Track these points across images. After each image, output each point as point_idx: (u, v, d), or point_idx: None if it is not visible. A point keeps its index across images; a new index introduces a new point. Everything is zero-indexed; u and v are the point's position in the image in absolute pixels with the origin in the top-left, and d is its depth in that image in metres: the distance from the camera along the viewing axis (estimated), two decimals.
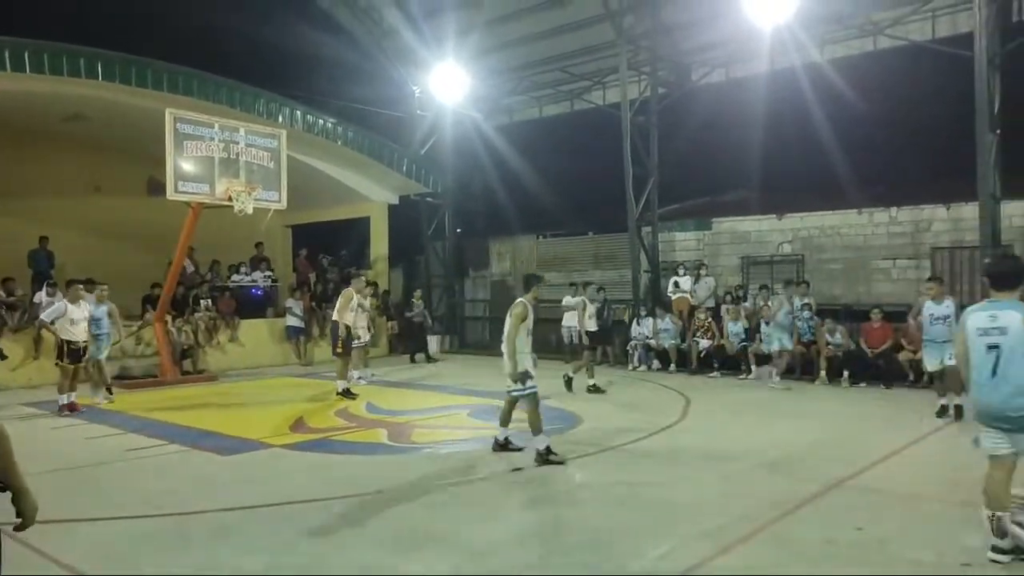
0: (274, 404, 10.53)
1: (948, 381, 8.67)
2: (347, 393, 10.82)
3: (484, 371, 14.54)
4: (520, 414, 7.04)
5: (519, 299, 7.04)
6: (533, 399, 6.82)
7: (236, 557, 4.51)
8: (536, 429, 6.77)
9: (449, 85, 17.74)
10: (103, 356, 10.62)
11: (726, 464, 6.69)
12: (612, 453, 7.27)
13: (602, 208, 17.38)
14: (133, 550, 4.67)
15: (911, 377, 11.50)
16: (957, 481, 6.00)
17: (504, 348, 6.90)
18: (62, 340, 9.85)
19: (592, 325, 11.80)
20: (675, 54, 16.45)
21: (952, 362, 7.28)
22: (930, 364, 8.99)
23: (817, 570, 4.20)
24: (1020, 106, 11.68)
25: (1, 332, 12.56)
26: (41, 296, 12.47)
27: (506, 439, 7.19)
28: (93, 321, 10.24)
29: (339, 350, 11.15)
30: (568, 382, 11.25)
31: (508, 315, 6.92)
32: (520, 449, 7.03)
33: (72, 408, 9.82)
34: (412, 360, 16.39)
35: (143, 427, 8.85)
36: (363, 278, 11.63)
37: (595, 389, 11.16)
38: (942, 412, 8.88)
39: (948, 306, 8.72)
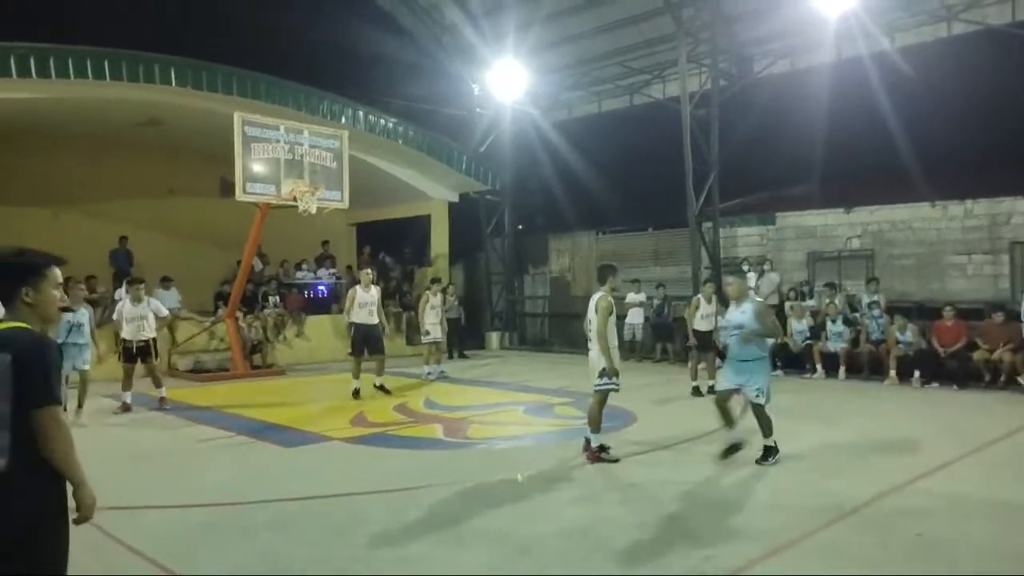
0: (336, 398, 10.82)
1: None
2: (356, 394, 10.52)
3: (542, 368, 14.62)
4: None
5: (599, 291, 6.81)
6: (605, 396, 6.78)
7: (290, 547, 4.69)
8: (595, 426, 6.75)
9: (508, 82, 17.84)
10: (87, 367, 9.25)
11: (784, 465, 6.56)
12: (666, 452, 7.23)
13: (662, 203, 17.16)
14: (195, 537, 4.92)
15: (987, 378, 11.01)
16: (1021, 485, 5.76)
17: (593, 345, 6.73)
18: (121, 338, 9.98)
19: (705, 325, 10.88)
20: (736, 45, 16.12)
21: None
22: None
23: (872, 572, 4.09)
24: None
25: None
26: (121, 293, 13.14)
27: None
28: (75, 327, 8.99)
29: (349, 351, 11.00)
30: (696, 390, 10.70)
31: (593, 310, 6.70)
32: (616, 460, 6.78)
33: (126, 408, 9.70)
34: (449, 356, 16.06)
35: (214, 419, 9.26)
36: (370, 273, 11.20)
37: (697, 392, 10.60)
38: None
39: None
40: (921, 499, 5.51)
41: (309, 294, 17.35)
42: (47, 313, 2.69)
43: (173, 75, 13.04)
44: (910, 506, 5.31)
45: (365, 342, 10.74)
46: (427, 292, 13.21)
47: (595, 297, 6.79)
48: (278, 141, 12.57)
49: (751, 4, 15.04)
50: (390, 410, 9.80)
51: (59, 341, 7.63)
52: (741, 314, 6.68)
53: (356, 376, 10.66)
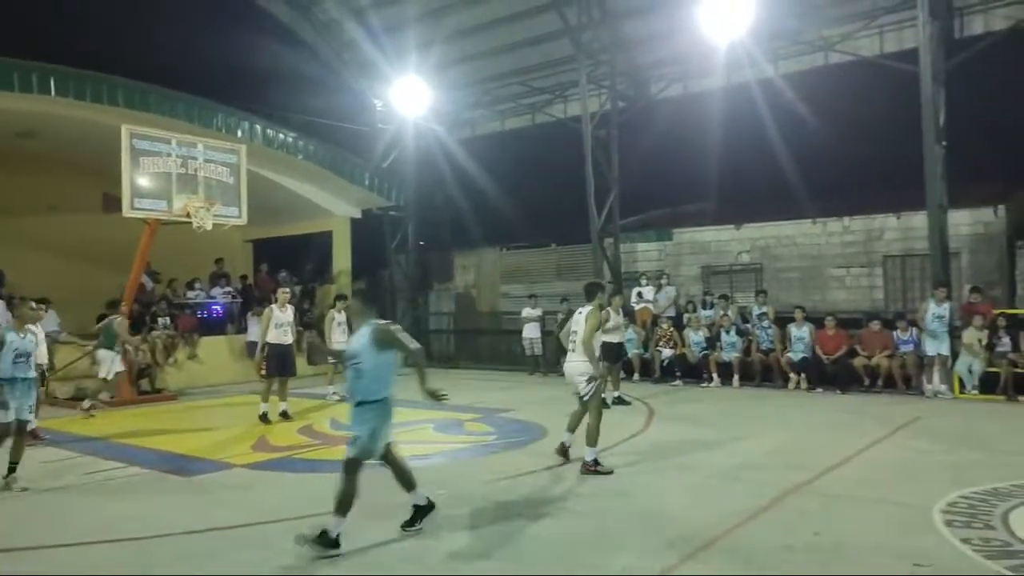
0: (236, 423, 10.37)
1: None
2: (264, 418, 10.12)
3: (449, 385, 14.48)
4: None
5: (587, 307, 7.05)
6: (599, 407, 6.92)
7: None
8: (592, 440, 6.83)
9: (411, 98, 17.78)
10: (32, 418, 7.45)
11: (689, 473, 6.80)
12: (578, 464, 7.32)
13: (564, 220, 17.56)
14: None
15: (866, 382, 11.82)
16: (910, 482, 6.21)
17: (574, 356, 6.97)
18: None
19: (615, 337, 10.96)
20: (634, 68, 16.75)
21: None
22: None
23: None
24: (964, 118, 12.15)
25: None
26: None
27: (570, 445, 7.26)
28: (21, 357, 6.89)
29: (261, 372, 10.48)
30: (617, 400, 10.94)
31: (582, 322, 6.91)
32: (610, 471, 6.81)
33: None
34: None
35: (101, 449, 8.65)
36: (288, 292, 11.00)
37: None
38: None
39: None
40: (815, 500, 5.83)
41: (203, 314, 16.57)
42: None
43: (53, 84, 12.22)
44: (807, 507, 5.62)
45: (281, 364, 10.40)
46: (331, 310, 12.92)
47: (584, 311, 7.06)
48: (169, 155, 12.00)
49: (647, 29, 15.69)
50: (294, 433, 9.48)
51: (2, 376, 6.67)
52: (359, 341, 5.23)
53: (266, 399, 10.24)
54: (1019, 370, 10.81)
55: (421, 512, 5.25)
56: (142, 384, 13.68)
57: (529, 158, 18.45)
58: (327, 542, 4.74)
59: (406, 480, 5.28)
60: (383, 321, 5.28)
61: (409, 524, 5.23)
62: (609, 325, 11.01)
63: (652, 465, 7.19)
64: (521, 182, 18.06)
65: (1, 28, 14.22)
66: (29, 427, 7.53)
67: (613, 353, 11.04)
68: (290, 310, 10.76)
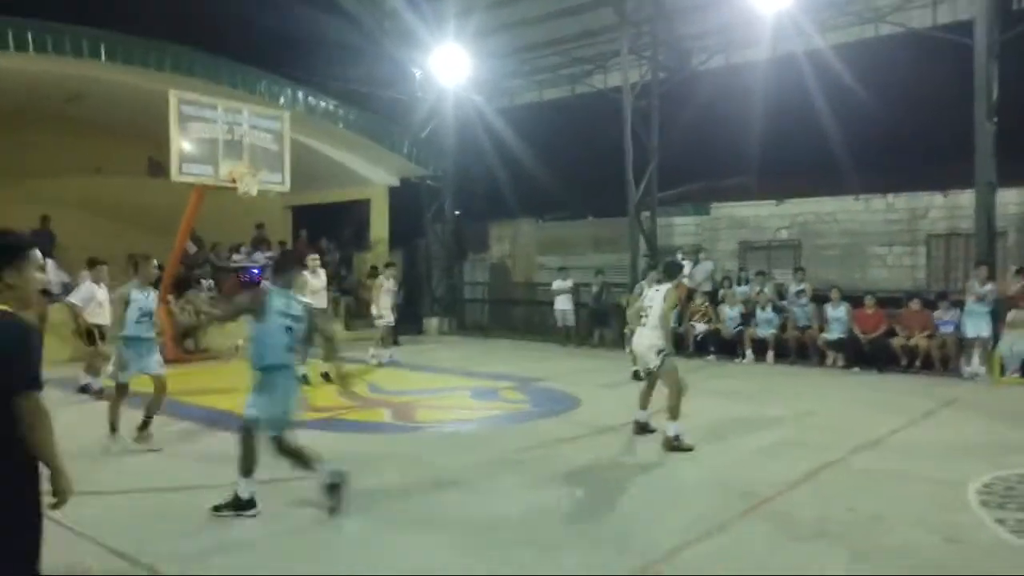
0: None
1: None
2: (304, 379, 9.64)
3: (483, 354, 14.74)
4: None
5: (667, 284, 7.10)
6: (677, 381, 6.86)
7: (247, 530, 4.69)
8: (675, 414, 6.75)
9: (450, 67, 17.76)
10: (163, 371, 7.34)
11: (722, 445, 6.87)
12: (611, 435, 7.44)
13: (602, 192, 17.51)
14: (147, 523, 4.84)
15: (904, 362, 11.70)
16: (945, 461, 6.21)
17: (646, 331, 7.00)
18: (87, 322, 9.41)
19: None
20: (676, 39, 16.49)
21: None
22: None
23: (810, 547, 4.38)
24: (1018, 94, 11.80)
25: None
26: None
27: (647, 421, 7.26)
28: (144, 315, 7.06)
29: None
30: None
31: (661, 299, 6.92)
32: (690, 448, 6.76)
33: (97, 393, 9.30)
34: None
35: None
36: (316, 258, 11.15)
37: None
38: None
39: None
40: (852, 476, 5.87)
41: (244, 278, 16.94)
42: (27, 296, 2.63)
43: (103, 49, 12.48)
44: (842, 482, 5.67)
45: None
46: (381, 276, 13.03)
47: (663, 288, 7.08)
48: (215, 121, 12.20)
49: None
50: (335, 395, 9.72)
51: (124, 333, 6.79)
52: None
53: (303, 361, 10.35)
54: None
55: (333, 490, 4.88)
56: (187, 344, 14.08)
57: (567, 129, 18.37)
58: (239, 504, 4.87)
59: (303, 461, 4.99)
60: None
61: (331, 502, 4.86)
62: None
63: (687, 437, 7.25)
64: (559, 153, 18.02)
65: None
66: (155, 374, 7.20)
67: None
68: (322, 274, 10.89)
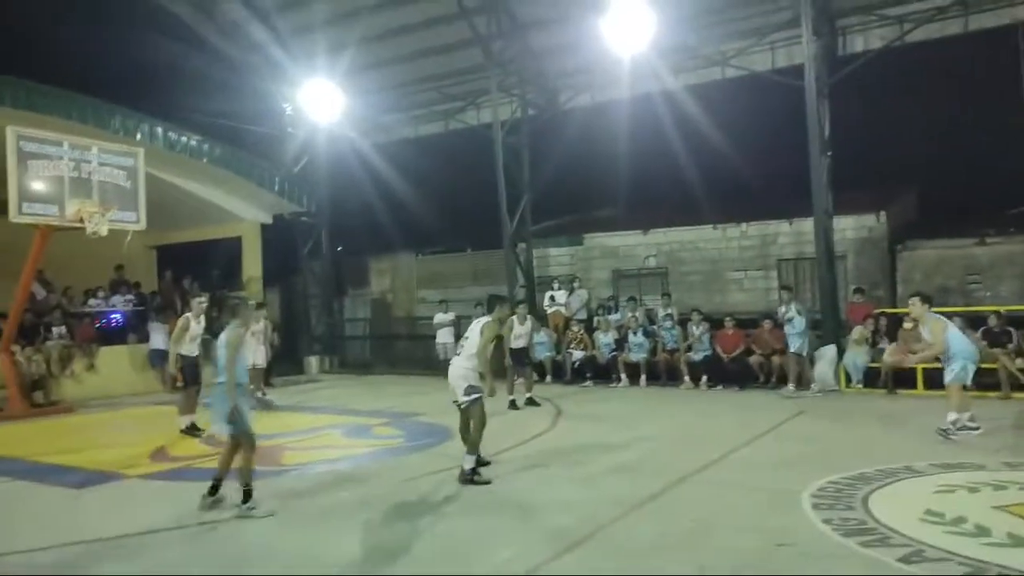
0: (135, 434, 10.06)
1: None
2: (192, 430, 9.63)
3: (362, 391, 14.47)
4: None
5: (486, 319, 6.97)
6: (482, 417, 6.73)
7: None
8: (473, 448, 6.69)
9: (322, 102, 17.59)
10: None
11: (584, 468, 7.05)
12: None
13: (479, 225, 17.79)
14: None
15: (761, 378, 12.45)
16: (787, 469, 6.64)
17: (460, 362, 6.83)
18: None
19: (519, 343, 11.58)
20: (543, 78, 17.09)
21: None
22: None
23: (648, 562, 4.55)
24: (848, 130, 13.02)
25: None
26: None
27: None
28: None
29: (179, 383, 9.85)
30: (512, 403, 11.04)
31: (477, 332, 6.79)
32: (488, 482, 6.68)
33: None
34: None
35: None
36: (203, 302, 10.16)
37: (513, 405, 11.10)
38: None
39: None
40: (699, 489, 6.18)
41: (102, 323, 15.92)
42: None
43: None
44: (690, 496, 5.95)
45: (195, 374, 9.84)
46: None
47: (481, 321, 6.97)
48: (61, 158, 11.53)
49: (555, 40, 16.03)
50: (197, 443, 9.27)
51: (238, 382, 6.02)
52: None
53: (191, 411, 9.69)
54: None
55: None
56: (36, 397, 13.03)
57: (443, 164, 18.59)
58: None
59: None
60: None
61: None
62: (513, 334, 11.43)
63: (552, 462, 7.40)
64: (436, 188, 18.19)
65: None
66: None
67: (519, 358, 11.48)
68: (202, 321, 10.09)
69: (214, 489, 6.03)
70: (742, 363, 12.64)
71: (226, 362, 5.92)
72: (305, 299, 19.59)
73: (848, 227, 14.47)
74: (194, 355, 9.85)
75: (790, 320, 11.92)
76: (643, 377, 13.35)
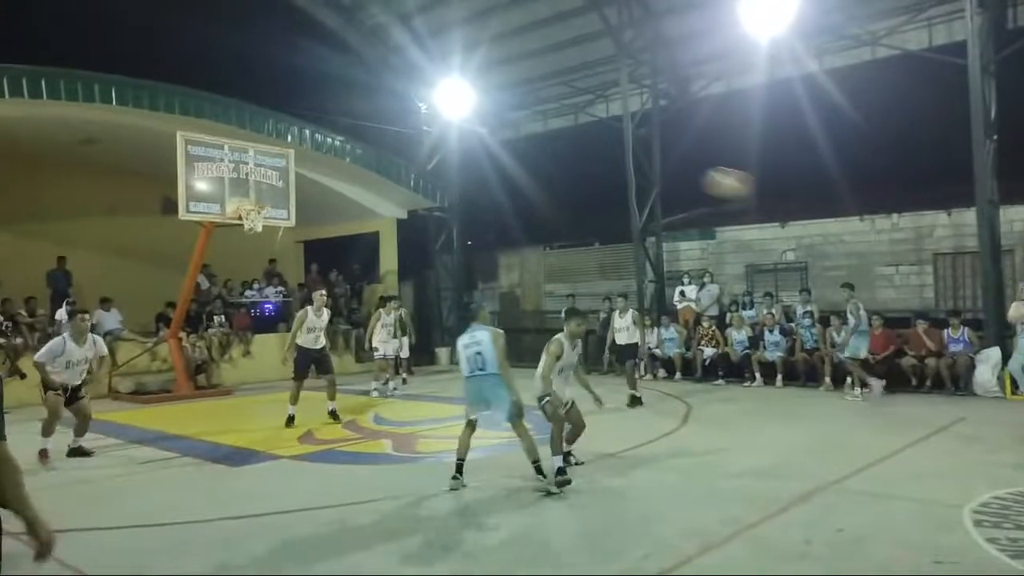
0: (284, 417, 10.75)
1: None
2: (290, 421, 9.74)
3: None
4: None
5: (556, 336, 6.84)
6: (555, 412, 6.67)
7: (238, 565, 4.74)
8: (557, 447, 6.54)
9: (454, 100, 18.06)
10: None
11: (718, 469, 6.85)
12: (610, 460, 7.44)
13: (607, 219, 17.61)
14: (143, 558, 4.92)
15: (914, 382, 11.58)
16: (944, 481, 6.15)
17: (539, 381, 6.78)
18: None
19: (621, 339, 11.54)
20: (675, 67, 16.69)
21: None
22: None
23: (792, 569, 4.36)
24: (1016, 112, 11.79)
25: (23, 351, 12.85)
26: (61, 314, 12.83)
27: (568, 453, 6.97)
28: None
29: (293, 374, 10.06)
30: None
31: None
32: (581, 463, 6.94)
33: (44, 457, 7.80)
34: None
35: (156, 440, 9.14)
36: (324, 295, 10.38)
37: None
38: None
39: None
40: (844, 497, 5.84)
41: (255, 313, 17.19)
42: None
43: (114, 94, 12.88)
44: (834, 504, 5.63)
45: (307, 367, 10.10)
46: (381, 310, 13.23)
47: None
48: (222, 160, 12.53)
49: (688, 27, 15.62)
50: (339, 427, 9.82)
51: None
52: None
53: (294, 402, 9.85)
54: None
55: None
56: (199, 380, 14.28)
57: (572, 158, 18.53)
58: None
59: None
60: None
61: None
62: (614, 328, 11.44)
63: (684, 461, 7.25)
64: (564, 182, 18.17)
65: (62, 40, 15.01)
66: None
67: (625, 352, 11.42)
68: (326, 314, 10.22)
69: (459, 470, 6.44)
70: (891, 365, 11.80)
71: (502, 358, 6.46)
72: (437, 292, 20.21)
73: (1016, 218, 13.12)
74: (309, 347, 10.01)
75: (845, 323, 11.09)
76: (779, 377, 12.77)
